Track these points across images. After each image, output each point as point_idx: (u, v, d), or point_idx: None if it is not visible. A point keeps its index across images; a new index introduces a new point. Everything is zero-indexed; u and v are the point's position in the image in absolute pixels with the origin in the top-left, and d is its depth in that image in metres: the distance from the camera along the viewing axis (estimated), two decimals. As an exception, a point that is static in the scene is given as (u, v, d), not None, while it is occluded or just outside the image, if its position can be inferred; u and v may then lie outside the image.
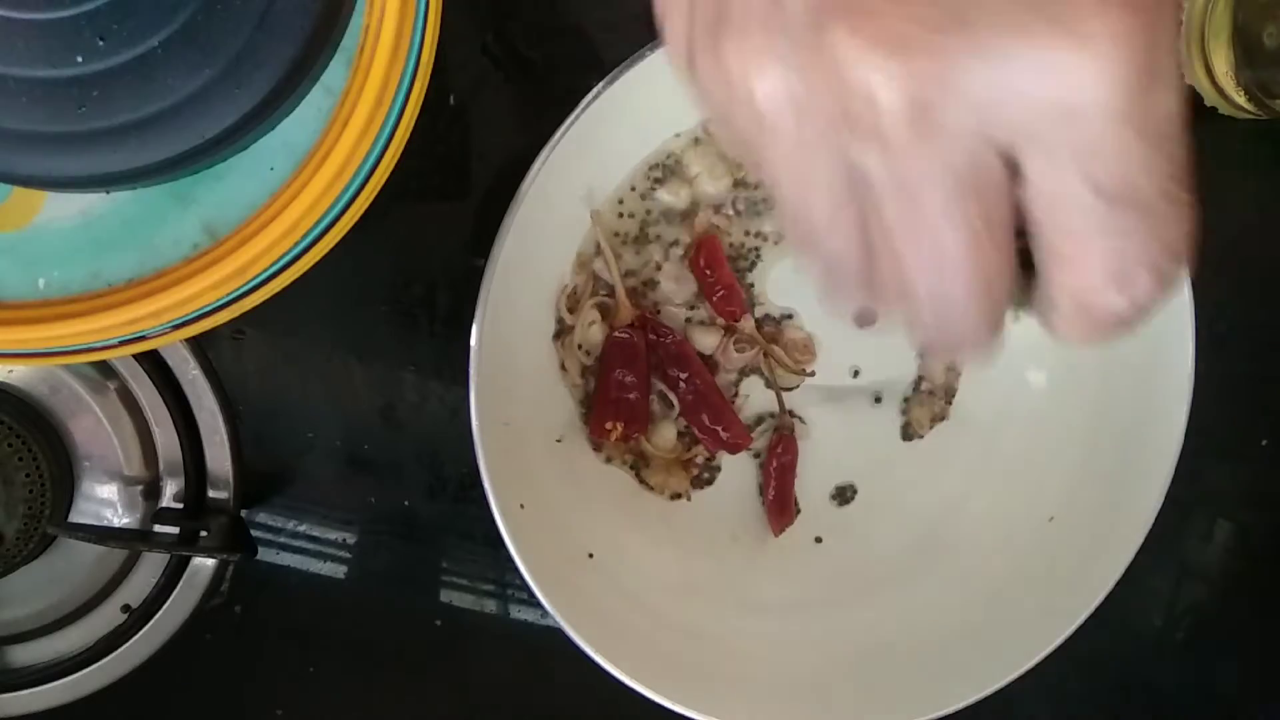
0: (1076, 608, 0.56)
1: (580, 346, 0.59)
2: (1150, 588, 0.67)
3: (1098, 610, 0.56)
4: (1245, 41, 0.57)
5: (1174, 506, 0.56)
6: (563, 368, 0.60)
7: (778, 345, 0.61)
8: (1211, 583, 0.68)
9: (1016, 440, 0.62)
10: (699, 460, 0.62)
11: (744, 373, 0.62)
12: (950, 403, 0.63)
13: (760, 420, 0.62)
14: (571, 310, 0.59)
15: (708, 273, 0.59)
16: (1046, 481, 0.61)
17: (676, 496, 0.62)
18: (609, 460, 0.61)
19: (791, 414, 0.62)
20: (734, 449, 0.61)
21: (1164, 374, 0.56)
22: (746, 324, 0.61)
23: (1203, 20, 0.59)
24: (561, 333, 0.59)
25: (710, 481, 0.62)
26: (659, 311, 0.60)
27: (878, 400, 0.63)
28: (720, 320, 0.61)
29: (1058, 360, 0.62)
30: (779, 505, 0.62)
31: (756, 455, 0.63)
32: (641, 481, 0.62)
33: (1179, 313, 0.55)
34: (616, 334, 0.59)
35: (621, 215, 0.59)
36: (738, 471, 0.63)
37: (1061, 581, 0.58)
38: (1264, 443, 0.67)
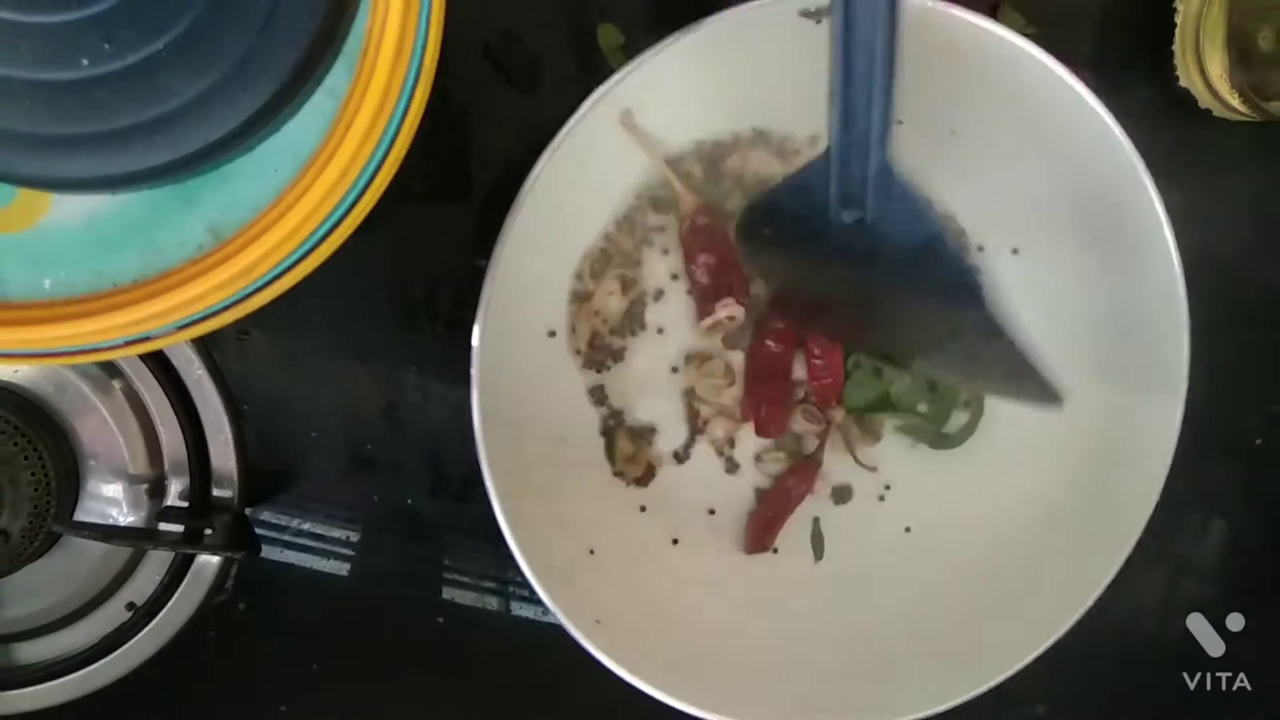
0: (1072, 606, 0.56)
1: (598, 314, 0.60)
2: (1146, 587, 0.67)
3: (1094, 609, 0.56)
4: (1240, 44, 0.58)
5: (1170, 506, 0.56)
6: (572, 330, 0.60)
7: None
8: (1207, 582, 0.68)
9: (1014, 440, 0.62)
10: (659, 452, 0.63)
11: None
12: None
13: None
14: (595, 276, 0.59)
15: (817, 357, 0.61)
16: (1044, 481, 0.61)
17: (636, 481, 0.62)
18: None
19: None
20: (763, 433, 0.62)
21: (1160, 373, 0.56)
22: (838, 415, 0.62)
23: (1197, 23, 0.59)
24: (580, 297, 0.60)
25: (644, 484, 0.62)
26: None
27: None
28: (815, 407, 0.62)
29: (1056, 362, 0.62)
30: (764, 526, 0.62)
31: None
32: (610, 456, 0.62)
33: (1174, 314, 0.55)
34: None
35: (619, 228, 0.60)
36: (741, 475, 0.63)
37: (1058, 580, 0.58)
38: (1259, 442, 0.67)
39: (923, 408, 0.62)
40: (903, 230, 0.48)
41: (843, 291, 0.54)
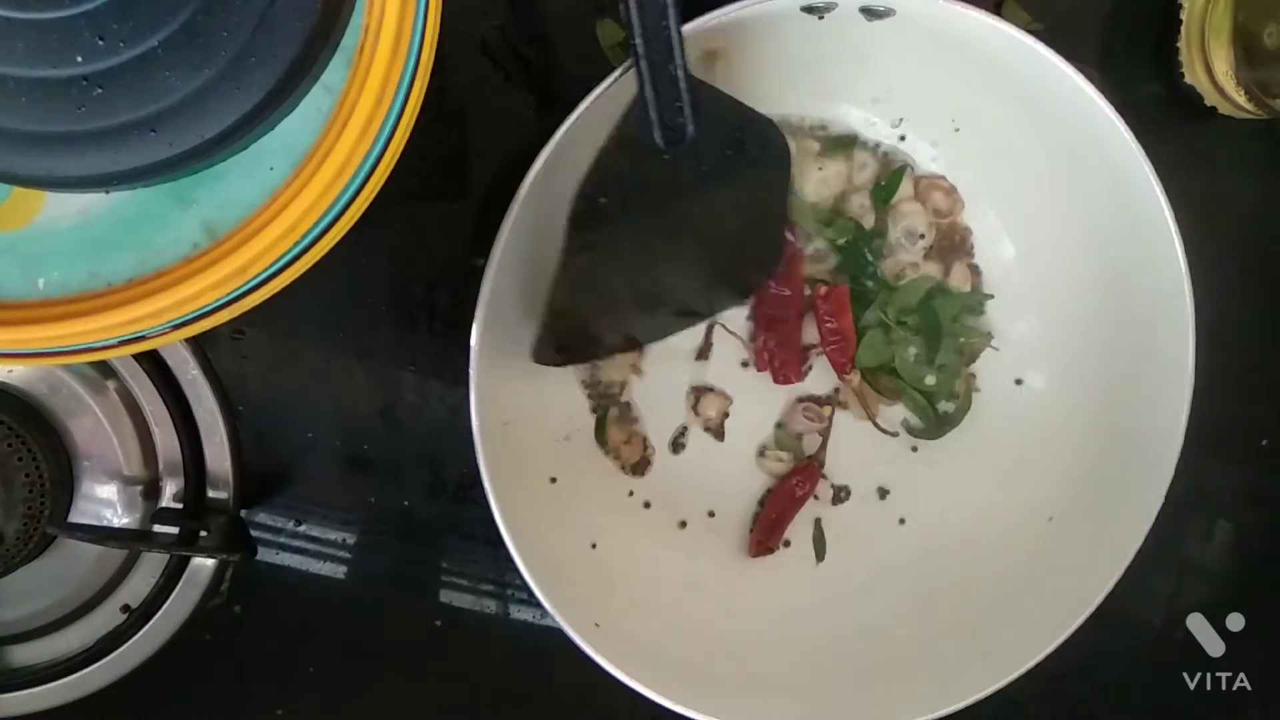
0: (1076, 608, 0.56)
1: None
2: (1150, 588, 0.67)
3: (1098, 610, 0.56)
4: (1245, 41, 0.57)
5: (1174, 506, 0.56)
6: None
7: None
8: (1212, 582, 0.68)
9: (1016, 440, 0.62)
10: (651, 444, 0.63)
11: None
12: None
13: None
14: None
15: (828, 320, 0.60)
16: (1046, 481, 0.61)
17: (632, 469, 0.62)
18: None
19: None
20: (780, 379, 0.62)
21: (1164, 374, 0.56)
22: (853, 379, 0.62)
23: (1203, 20, 0.59)
24: None
25: (640, 472, 0.63)
26: None
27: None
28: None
29: (1057, 361, 0.61)
30: (768, 528, 0.62)
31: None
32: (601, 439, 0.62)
33: (1179, 313, 0.55)
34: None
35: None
36: (744, 476, 0.63)
37: (1061, 581, 0.58)
38: (1264, 443, 0.67)
39: (930, 380, 0.63)
40: (718, 131, 0.51)
41: (692, 234, 0.55)
